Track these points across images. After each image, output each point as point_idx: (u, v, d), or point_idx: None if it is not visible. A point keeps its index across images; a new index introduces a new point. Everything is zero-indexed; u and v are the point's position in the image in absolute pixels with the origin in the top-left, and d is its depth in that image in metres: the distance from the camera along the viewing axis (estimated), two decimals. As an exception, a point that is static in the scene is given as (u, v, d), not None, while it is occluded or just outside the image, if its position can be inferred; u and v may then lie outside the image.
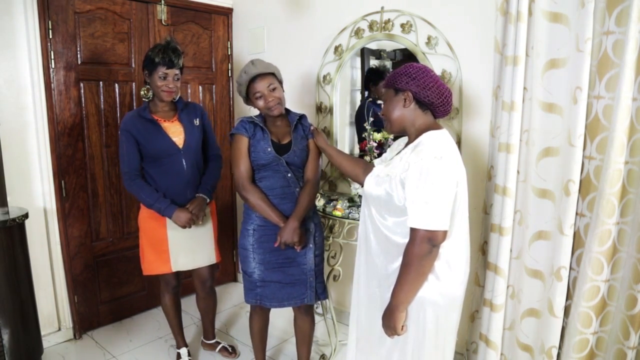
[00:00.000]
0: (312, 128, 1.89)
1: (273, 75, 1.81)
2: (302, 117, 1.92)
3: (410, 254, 1.28)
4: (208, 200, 2.14)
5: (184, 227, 2.03)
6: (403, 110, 1.39)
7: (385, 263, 1.42)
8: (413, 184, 1.26)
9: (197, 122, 2.13)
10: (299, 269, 1.88)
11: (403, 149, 1.46)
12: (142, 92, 2.05)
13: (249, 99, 1.84)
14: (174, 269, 2.13)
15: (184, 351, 2.32)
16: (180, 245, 2.11)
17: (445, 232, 1.28)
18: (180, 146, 2.05)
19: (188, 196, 2.10)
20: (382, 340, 1.45)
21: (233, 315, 2.92)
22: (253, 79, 1.77)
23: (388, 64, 2.48)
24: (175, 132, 2.06)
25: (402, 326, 1.36)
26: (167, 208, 2.00)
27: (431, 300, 1.34)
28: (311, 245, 1.89)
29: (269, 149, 1.80)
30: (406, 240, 1.33)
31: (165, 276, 2.18)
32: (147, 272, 2.15)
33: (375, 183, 1.42)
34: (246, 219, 1.91)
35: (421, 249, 1.26)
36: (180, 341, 2.33)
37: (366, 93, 2.56)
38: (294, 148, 1.84)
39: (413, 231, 1.28)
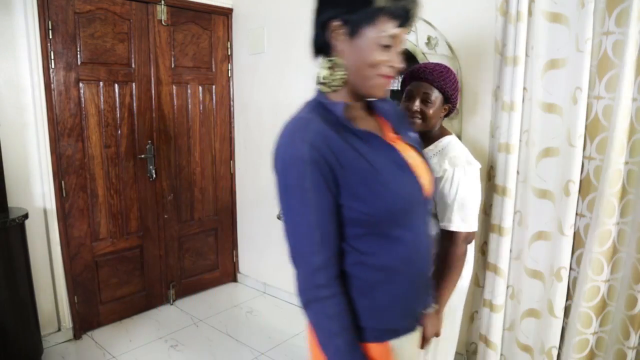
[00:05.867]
0: None
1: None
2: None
3: (454, 256, 1.34)
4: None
5: None
6: (440, 117, 1.46)
7: None
8: (452, 189, 1.32)
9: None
10: None
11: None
12: (323, 73, 0.95)
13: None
14: None
15: None
16: None
17: (475, 232, 1.37)
18: (428, 192, 0.99)
19: (426, 298, 1.08)
20: None
21: (233, 316, 2.92)
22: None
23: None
24: (416, 163, 0.99)
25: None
26: None
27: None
28: None
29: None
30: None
31: None
32: None
33: None
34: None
35: (462, 249, 1.33)
36: None
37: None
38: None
39: (455, 234, 1.33)
